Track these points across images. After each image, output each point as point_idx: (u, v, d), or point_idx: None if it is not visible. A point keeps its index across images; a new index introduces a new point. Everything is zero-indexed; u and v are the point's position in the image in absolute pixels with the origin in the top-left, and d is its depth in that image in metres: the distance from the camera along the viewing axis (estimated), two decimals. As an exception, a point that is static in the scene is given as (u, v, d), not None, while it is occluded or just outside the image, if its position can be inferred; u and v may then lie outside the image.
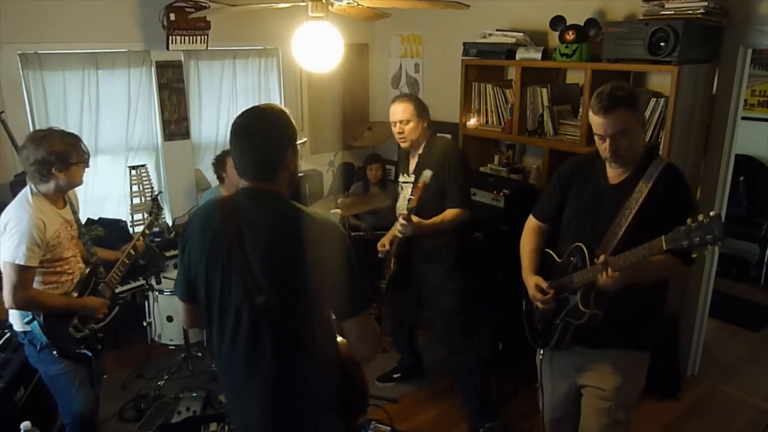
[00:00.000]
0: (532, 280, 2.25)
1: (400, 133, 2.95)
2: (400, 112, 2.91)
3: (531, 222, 2.43)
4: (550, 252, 2.29)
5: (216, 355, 1.79)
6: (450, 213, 2.89)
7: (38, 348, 2.38)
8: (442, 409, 3.39)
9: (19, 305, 2.29)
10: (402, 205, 3.02)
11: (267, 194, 1.65)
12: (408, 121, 2.91)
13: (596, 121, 2.01)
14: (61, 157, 2.28)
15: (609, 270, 1.88)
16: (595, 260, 1.96)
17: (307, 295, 1.62)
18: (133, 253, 2.69)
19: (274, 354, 1.65)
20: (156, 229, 4.17)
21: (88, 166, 2.43)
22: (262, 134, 1.63)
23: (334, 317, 1.73)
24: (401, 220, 2.82)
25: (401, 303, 3.41)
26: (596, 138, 2.06)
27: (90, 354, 2.45)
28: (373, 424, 3.14)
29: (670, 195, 2.00)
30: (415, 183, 2.88)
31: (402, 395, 3.49)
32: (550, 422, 2.41)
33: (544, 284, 2.19)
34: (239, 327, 1.65)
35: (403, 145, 3.00)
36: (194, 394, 3.39)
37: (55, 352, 2.37)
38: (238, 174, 1.67)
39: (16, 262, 2.22)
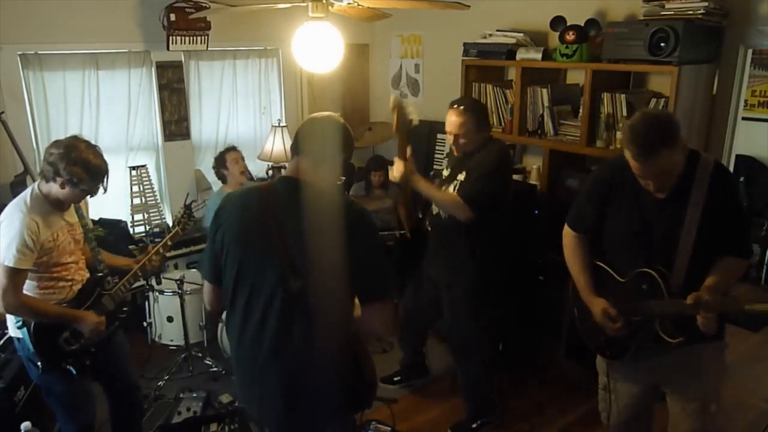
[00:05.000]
0: (598, 306, 2.14)
1: (453, 143, 2.77)
2: (451, 123, 2.73)
3: (570, 234, 2.28)
4: (605, 267, 2.17)
5: (236, 340, 1.83)
6: (450, 195, 2.71)
7: (26, 356, 2.28)
8: (442, 409, 3.39)
9: (8, 309, 2.19)
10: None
11: (306, 183, 1.74)
12: (459, 136, 2.72)
13: (634, 164, 1.88)
14: (74, 178, 2.18)
15: (704, 312, 1.84)
16: (672, 289, 1.93)
17: (341, 279, 1.69)
18: (147, 265, 2.53)
19: (301, 338, 1.71)
20: (156, 230, 4.21)
21: (92, 196, 2.31)
22: (327, 125, 1.80)
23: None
24: (397, 156, 2.63)
25: (414, 308, 3.37)
26: (635, 171, 1.93)
27: (75, 372, 2.29)
28: (373, 424, 3.14)
29: (726, 201, 1.92)
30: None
31: (402, 395, 3.48)
32: (617, 426, 2.31)
33: (612, 311, 2.09)
34: (270, 310, 1.71)
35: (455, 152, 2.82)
36: (195, 395, 3.38)
37: (39, 364, 2.24)
38: (291, 154, 1.80)
39: (5, 263, 2.12)
